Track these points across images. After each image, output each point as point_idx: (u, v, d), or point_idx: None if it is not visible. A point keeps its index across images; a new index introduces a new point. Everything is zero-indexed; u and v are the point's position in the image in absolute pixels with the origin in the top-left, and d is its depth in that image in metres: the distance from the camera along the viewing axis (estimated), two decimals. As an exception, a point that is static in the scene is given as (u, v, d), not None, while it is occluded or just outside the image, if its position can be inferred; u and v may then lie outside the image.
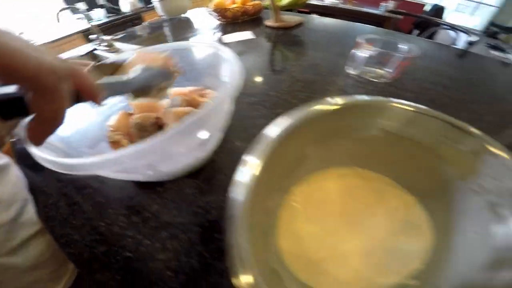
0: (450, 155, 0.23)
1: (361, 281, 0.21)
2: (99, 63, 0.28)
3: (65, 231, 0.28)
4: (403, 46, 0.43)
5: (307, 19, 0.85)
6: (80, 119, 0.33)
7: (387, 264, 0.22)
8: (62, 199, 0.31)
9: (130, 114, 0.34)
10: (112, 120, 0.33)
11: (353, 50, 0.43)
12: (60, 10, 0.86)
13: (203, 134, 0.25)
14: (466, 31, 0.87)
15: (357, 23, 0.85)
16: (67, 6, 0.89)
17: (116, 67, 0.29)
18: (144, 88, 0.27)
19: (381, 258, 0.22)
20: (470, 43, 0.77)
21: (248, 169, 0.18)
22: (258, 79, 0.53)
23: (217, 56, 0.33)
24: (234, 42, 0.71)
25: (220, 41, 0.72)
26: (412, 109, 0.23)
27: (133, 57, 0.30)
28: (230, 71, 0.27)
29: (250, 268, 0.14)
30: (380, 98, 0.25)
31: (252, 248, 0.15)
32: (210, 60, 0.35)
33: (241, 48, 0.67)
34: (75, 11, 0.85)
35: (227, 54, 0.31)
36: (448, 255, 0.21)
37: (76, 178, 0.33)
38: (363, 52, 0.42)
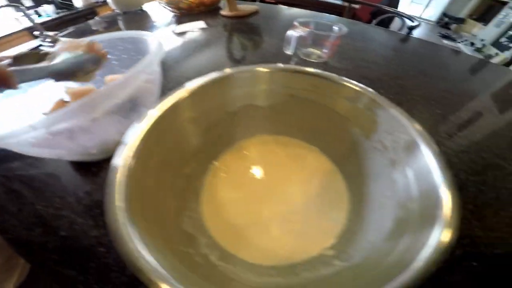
0: (351, 114, 0.24)
1: (281, 250, 0.21)
2: (20, 53, 0.28)
3: (3, 217, 0.28)
4: (335, 28, 0.47)
5: (263, 8, 0.87)
6: (17, 113, 0.32)
7: (307, 233, 0.22)
8: (0, 188, 0.31)
9: (67, 102, 0.34)
10: (47, 109, 0.33)
11: (288, 32, 0.46)
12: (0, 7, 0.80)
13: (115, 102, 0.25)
14: (409, 17, 0.94)
15: (314, 12, 0.88)
16: (7, 4, 0.83)
17: (40, 57, 0.30)
18: (68, 72, 0.28)
19: (302, 227, 0.22)
20: (410, 28, 0.84)
21: (144, 123, 0.16)
22: (208, 65, 0.55)
23: (148, 43, 0.35)
24: (188, 32, 0.71)
25: (173, 32, 0.72)
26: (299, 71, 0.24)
27: (59, 46, 0.30)
28: (153, 52, 0.28)
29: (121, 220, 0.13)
30: (265, 66, 0.25)
31: (138, 212, 0.14)
32: (143, 47, 0.36)
33: (195, 38, 0.68)
34: (17, 8, 0.80)
35: (153, 39, 0.33)
36: (362, 223, 0.21)
37: (16, 168, 0.33)
38: (296, 33, 0.45)
